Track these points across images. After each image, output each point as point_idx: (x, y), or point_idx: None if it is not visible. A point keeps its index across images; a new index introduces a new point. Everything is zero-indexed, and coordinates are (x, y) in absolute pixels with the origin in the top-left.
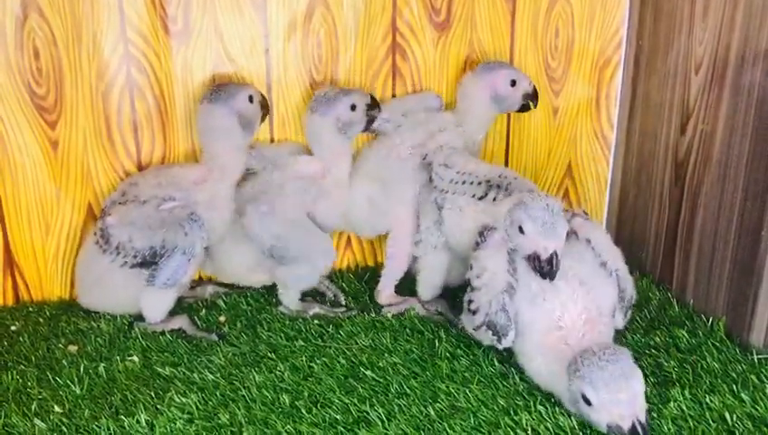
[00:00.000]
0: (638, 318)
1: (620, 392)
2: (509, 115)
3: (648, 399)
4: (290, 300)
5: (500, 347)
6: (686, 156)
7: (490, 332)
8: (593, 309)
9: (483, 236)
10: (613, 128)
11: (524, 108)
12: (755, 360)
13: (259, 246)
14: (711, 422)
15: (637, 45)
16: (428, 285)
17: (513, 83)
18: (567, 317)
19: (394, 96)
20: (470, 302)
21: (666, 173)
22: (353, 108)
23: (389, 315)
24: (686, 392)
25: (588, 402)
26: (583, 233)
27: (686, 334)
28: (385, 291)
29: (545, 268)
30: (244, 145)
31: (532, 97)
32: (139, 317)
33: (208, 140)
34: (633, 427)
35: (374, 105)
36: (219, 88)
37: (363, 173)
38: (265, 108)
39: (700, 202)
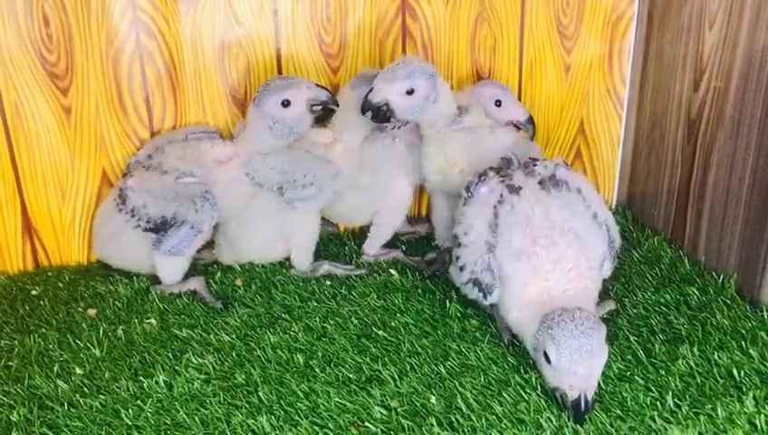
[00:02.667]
0: (649, 276)
1: (580, 366)
2: (520, 73)
3: (656, 356)
4: (300, 260)
5: (486, 303)
6: (699, 113)
7: (476, 288)
8: (583, 263)
9: (469, 190)
10: (626, 85)
11: None
12: (765, 317)
13: (268, 186)
14: (719, 378)
15: (650, 0)
16: (439, 224)
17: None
18: (558, 271)
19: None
20: (458, 258)
21: (678, 130)
22: None
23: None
24: (695, 349)
25: (547, 360)
26: (573, 183)
27: (696, 292)
28: (371, 251)
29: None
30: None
31: None
32: (156, 280)
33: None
34: (578, 399)
35: None
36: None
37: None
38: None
39: (713, 160)
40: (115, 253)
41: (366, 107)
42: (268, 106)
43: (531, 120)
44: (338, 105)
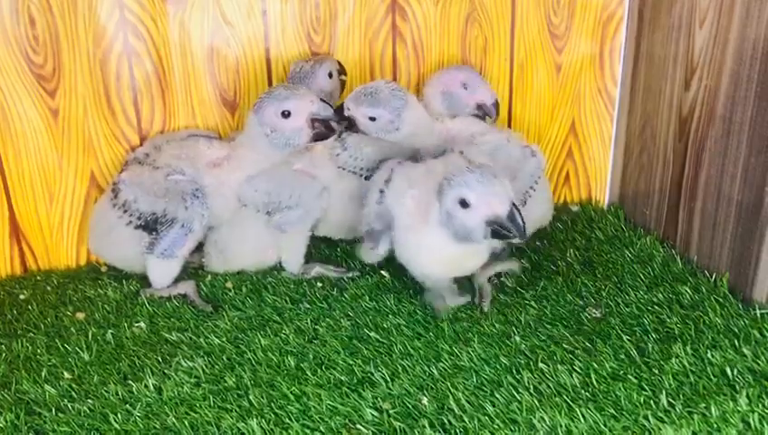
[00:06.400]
0: (641, 275)
1: (495, 185)
2: (511, 73)
3: (649, 355)
4: (292, 263)
5: (379, 253)
6: (691, 111)
7: (370, 239)
8: None
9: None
10: (617, 84)
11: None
12: (757, 315)
13: (254, 207)
14: (712, 377)
15: None
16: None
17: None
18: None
19: (394, 56)
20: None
21: (670, 129)
22: (330, 76)
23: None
24: (688, 348)
25: (465, 205)
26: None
27: (689, 290)
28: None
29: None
30: None
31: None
32: (146, 282)
33: None
34: (511, 210)
35: (342, 70)
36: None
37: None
38: None
39: (704, 158)
40: (108, 249)
41: (337, 113)
42: (267, 114)
43: (496, 104)
44: (340, 122)
